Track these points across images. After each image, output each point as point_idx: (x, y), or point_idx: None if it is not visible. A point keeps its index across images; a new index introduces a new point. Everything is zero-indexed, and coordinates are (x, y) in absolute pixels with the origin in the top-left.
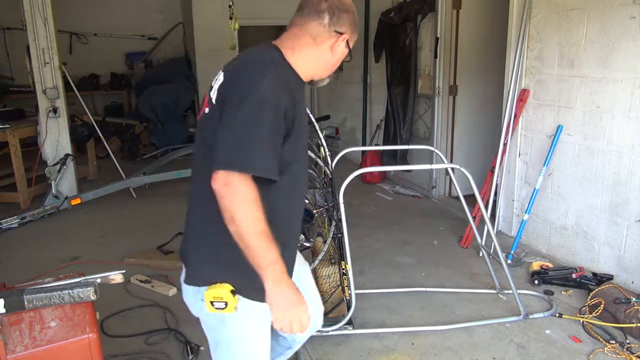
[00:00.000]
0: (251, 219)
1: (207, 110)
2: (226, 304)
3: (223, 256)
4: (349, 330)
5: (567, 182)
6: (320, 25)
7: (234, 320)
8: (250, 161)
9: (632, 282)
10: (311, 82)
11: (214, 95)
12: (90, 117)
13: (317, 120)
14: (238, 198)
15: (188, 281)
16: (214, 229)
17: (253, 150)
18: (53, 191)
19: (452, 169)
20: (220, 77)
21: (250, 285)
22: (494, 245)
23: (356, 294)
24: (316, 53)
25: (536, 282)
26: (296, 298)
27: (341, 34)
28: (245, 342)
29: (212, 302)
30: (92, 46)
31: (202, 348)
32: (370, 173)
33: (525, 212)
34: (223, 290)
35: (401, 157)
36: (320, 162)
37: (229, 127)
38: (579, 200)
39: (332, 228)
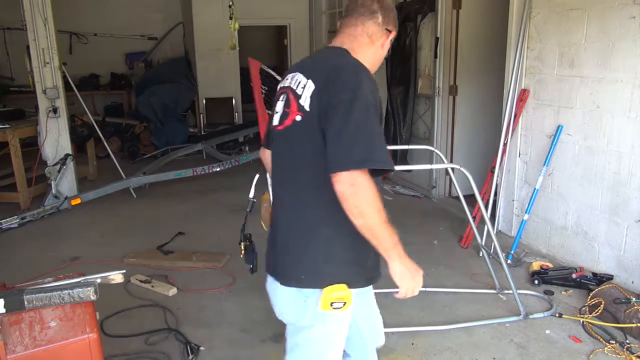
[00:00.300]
0: (378, 211)
1: (298, 117)
2: (344, 303)
3: (338, 255)
4: None
5: (567, 182)
6: (375, 25)
7: (334, 317)
8: (372, 157)
9: (632, 282)
10: None
11: (305, 102)
12: (90, 117)
13: None
14: (366, 194)
15: (301, 284)
16: (328, 230)
17: (372, 147)
18: (53, 191)
19: (452, 169)
20: (308, 84)
21: (359, 277)
22: (494, 245)
23: None
24: (372, 51)
25: (536, 282)
26: (416, 267)
27: (390, 31)
28: (336, 337)
29: (331, 303)
30: (92, 46)
31: (202, 348)
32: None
33: (525, 212)
34: (343, 290)
35: (401, 157)
36: None
37: (343, 131)
38: (579, 200)
39: None
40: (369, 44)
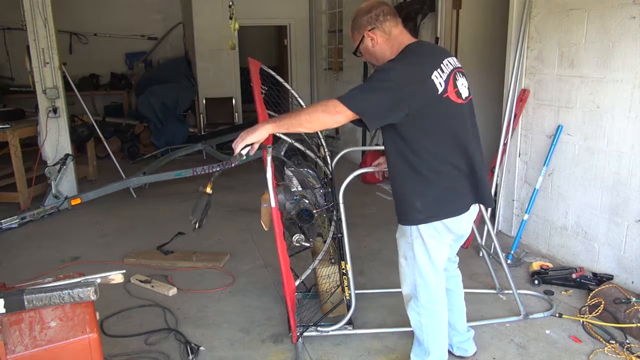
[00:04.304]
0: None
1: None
2: None
3: None
4: (349, 330)
5: (567, 182)
6: None
7: None
8: None
9: (632, 282)
10: None
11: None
12: (90, 117)
13: None
14: None
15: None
16: None
17: None
18: (53, 191)
19: None
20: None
21: None
22: (494, 245)
23: (356, 294)
24: None
25: (536, 282)
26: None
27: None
28: None
29: None
30: (92, 46)
31: (202, 348)
32: (370, 173)
33: (525, 212)
34: None
35: None
36: (320, 162)
37: None
38: (579, 200)
39: (332, 228)
40: None
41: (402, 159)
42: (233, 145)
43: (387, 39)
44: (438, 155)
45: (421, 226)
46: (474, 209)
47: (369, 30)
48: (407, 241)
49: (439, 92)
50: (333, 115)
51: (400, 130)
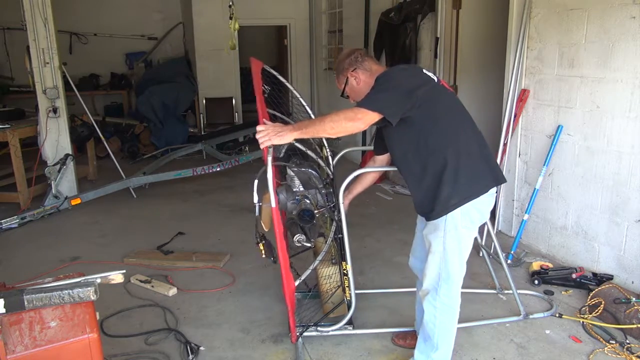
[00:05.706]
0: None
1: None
2: None
3: None
4: (349, 330)
5: (567, 182)
6: None
7: None
8: None
9: (632, 282)
10: None
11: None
12: (90, 117)
13: None
14: None
15: None
16: None
17: None
18: (53, 191)
19: None
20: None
21: None
22: (494, 245)
23: (356, 294)
24: None
25: (536, 282)
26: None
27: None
28: None
29: None
30: (92, 46)
31: (202, 348)
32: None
33: (525, 212)
34: None
35: None
36: (322, 163)
37: None
38: (579, 200)
39: (333, 228)
40: None
41: (421, 152)
42: (258, 138)
43: (369, 75)
44: (454, 137)
45: (458, 217)
46: (494, 190)
47: (352, 71)
48: (438, 235)
49: (436, 81)
50: (355, 122)
51: (414, 122)
